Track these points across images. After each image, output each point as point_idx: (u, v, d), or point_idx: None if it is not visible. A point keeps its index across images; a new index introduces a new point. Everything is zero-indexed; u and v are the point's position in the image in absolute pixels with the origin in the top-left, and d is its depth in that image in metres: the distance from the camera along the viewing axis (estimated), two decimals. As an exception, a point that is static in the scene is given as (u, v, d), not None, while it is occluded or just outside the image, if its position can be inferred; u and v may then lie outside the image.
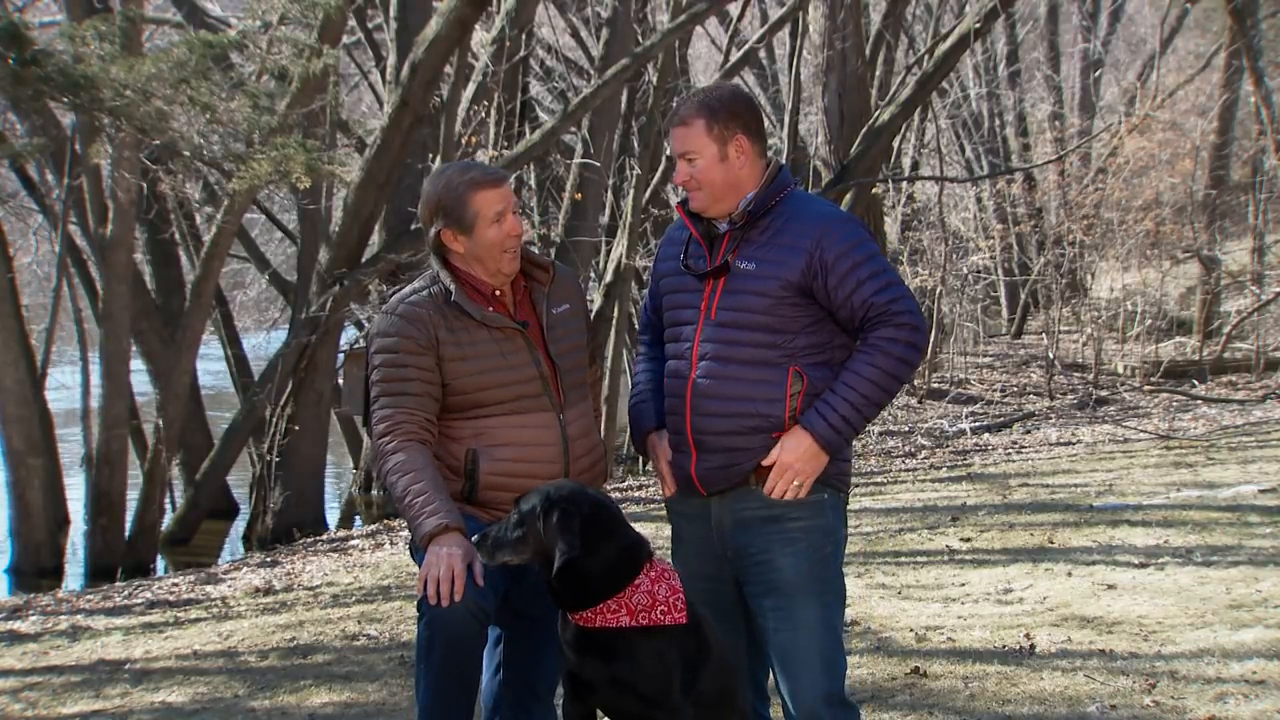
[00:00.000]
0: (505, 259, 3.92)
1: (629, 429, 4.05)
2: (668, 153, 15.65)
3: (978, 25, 15.58)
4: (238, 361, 16.23)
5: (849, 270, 3.68)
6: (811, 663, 3.70)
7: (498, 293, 3.94)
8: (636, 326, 4.13)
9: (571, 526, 3.50)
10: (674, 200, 18.38)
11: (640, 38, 15.25)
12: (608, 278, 14.13)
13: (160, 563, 12.57)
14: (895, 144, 18.93)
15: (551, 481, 3.66)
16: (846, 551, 3.95)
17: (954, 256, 20.15)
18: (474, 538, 3.60)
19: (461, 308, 3.84)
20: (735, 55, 17.45)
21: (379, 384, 3.85)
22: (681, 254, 3.87)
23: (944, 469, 12.20)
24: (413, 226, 12.97)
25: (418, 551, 3.81)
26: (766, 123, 22.78)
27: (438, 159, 12.50)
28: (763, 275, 3.71)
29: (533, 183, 17.64)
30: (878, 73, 19.05)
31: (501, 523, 3.59)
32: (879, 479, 11.77)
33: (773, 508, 3.72)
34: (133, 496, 12.40)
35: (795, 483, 3.69)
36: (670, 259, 3.93)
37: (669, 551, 3.99)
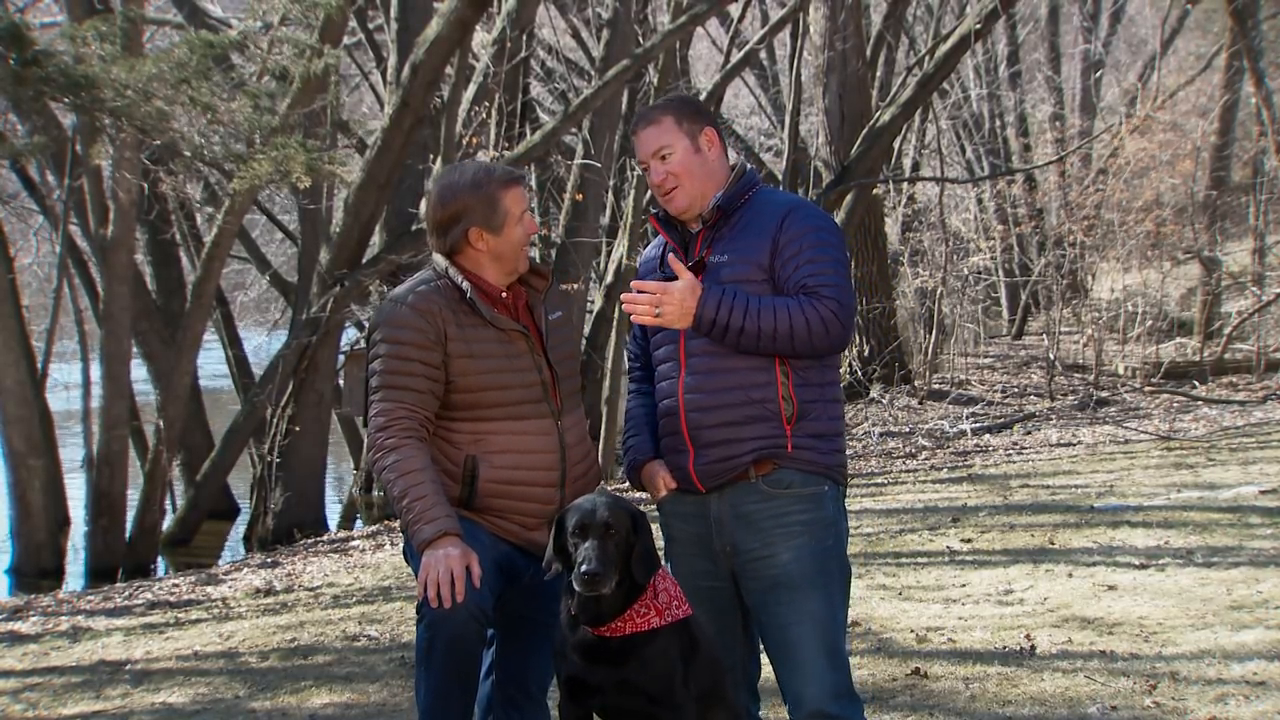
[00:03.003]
0: (522, 257, 3.94)
1: (624, 465, 4.06)
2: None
3: (978, 26, 15.58)
4: (238, 362, 16.24)
5: (795, 252, 3.73)
6: (817, 657, 3.70)
7: (504, 295, 3.93)
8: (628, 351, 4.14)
9: (652, 540, 3.54)
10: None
11: (641, 39, 15.26)
12: (608, 278, 14.14)
13: (161, 563, 12.57)
14: (896, 145, 18.94)
15: (598, 498, 3.57)
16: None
17: (954, 257, 20.15)
18: (584, 572, 3.41)
19: (473, 305, 3.83)
20: (736, 56, 17.44)
21: (381, 375, 3.79)
22: (659, 264, 3.92)
23: (945, 470, 12.20)
24: (414, 227, 12.97)
25: (412, 554, 3.81)
26: (767, 123, 22.80)
27: (438, 160, 12.51)
28: (736, 263, 3.76)
29: (533, 183, 17.63)
30: (878, 74, 19.06)
31: (589, 554, 3.43)
32: (879, 480, 11.77)
33: (773, 501, 3.74)
34: (133, 497, 12.40)
35: (655, 310, 3.67)
36: (654, 271, 3.96)
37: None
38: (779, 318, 3.66)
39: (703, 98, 15.13)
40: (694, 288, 3.69)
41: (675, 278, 3.80)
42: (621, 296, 3.73)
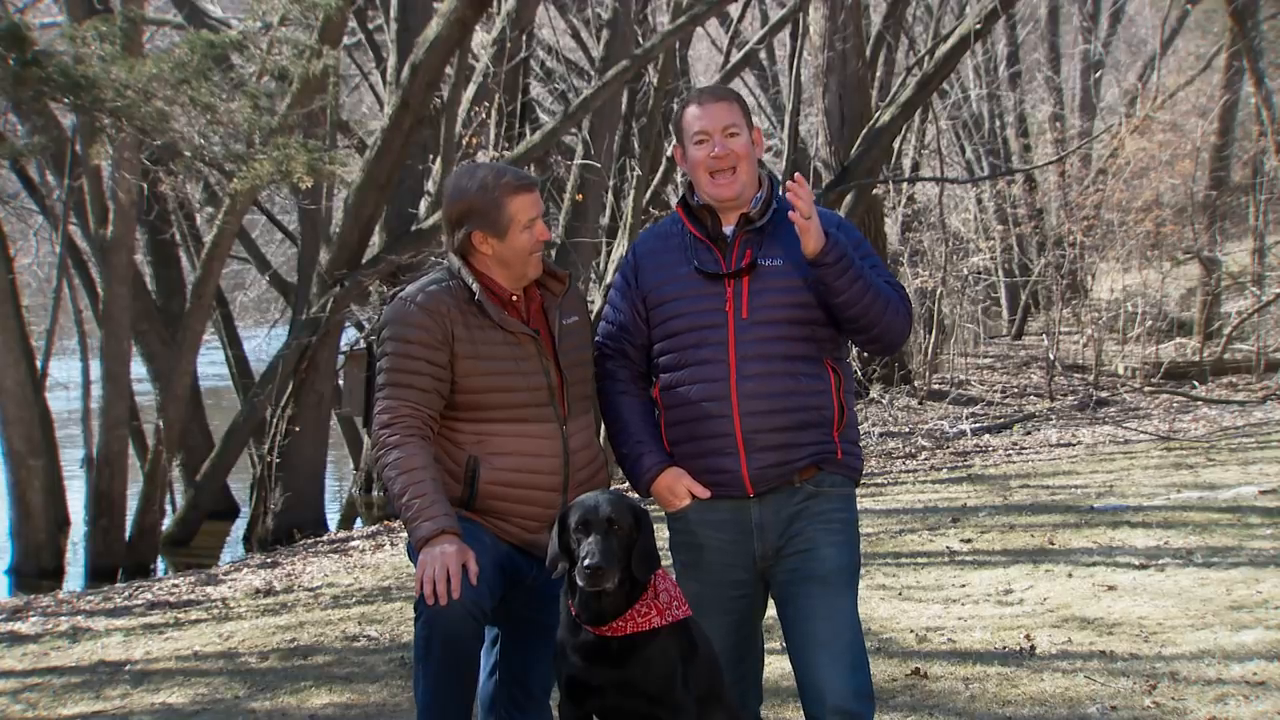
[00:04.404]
0: (532, 263, 3.92)
1: (629, 472, 3.94)
2: (668, 153, 15.72)
3: (978, 26, 15.59)
4: (238, 362, 16.24)
5: (861, 256, 3.79)
6: (845, 654, 3.73)
7: (514, 297, 3.93)
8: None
9: (654, 539, 3.54)
10: (674, 201, 18.37)
11: (640, 39, 15.25)
12: (608, 279, 14.13)
13: (160, 564, 12.57)
14: (896, 145, 18.94)
15: (600, 495, 3.55)
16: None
17: (954, 257, 20.15)
18: (587, 566, 3.40)
19: (481, 307, 3.82)
20: (736, 56, 17.45)
21: (387, 372, 3.81)
22: (687, 259, 3.84)
23: (944, 470, 12.20)
24: (413, 228, 12.97)
25: (415, 553, 3.81)
26: (767, 124, 22.84)
27: (438, 160, 12.50)
28: (791, 269, 3.74)
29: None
30: (878, 74, 19.06)
31: (592, 548, 3.41)
32: (879, 480, 11.77)
33: (816, 500, 3.76)
34: (133, 497, 12.40)
35: (806, 215, 3.62)
36: (668, 265, 3.87)
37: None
38: (882, 288, 3.74)
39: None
40: (821, 230, 3.66)
41: (721, 274, 3.78)
42: (788, 185, 3.63)
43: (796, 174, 3.70)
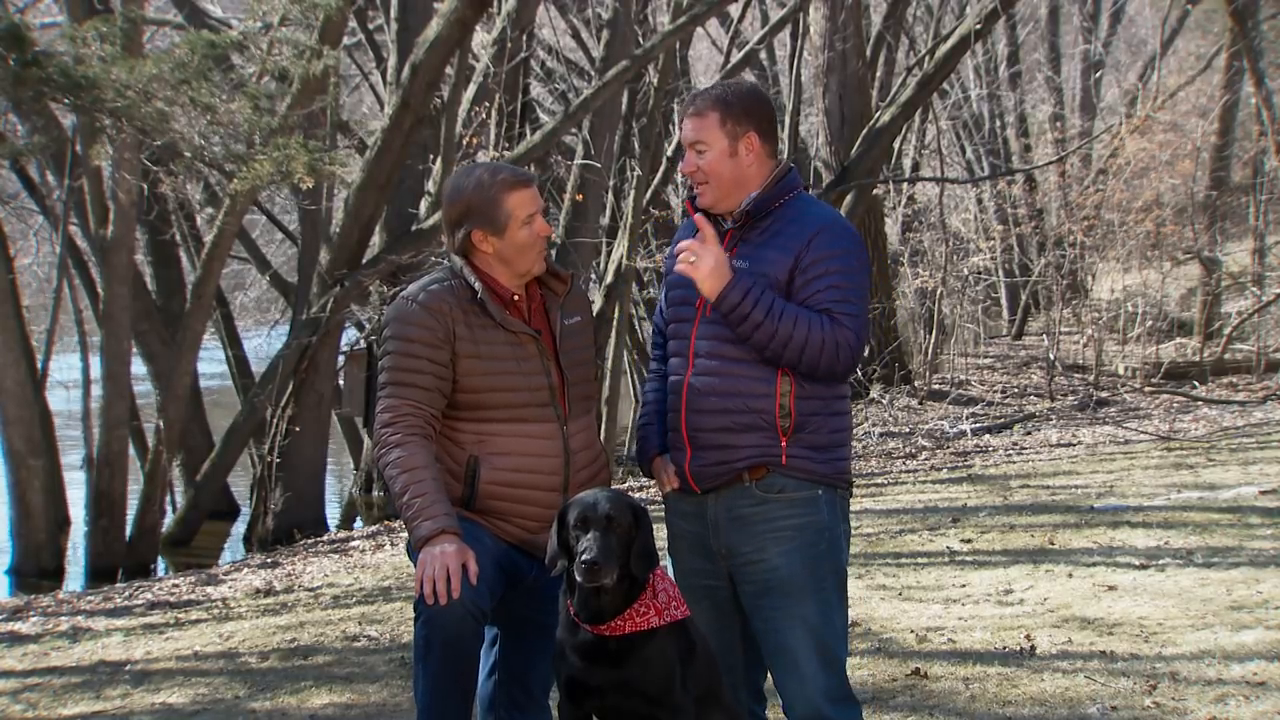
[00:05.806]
0: (533, 260, 3.93)
1: (636, 451, 4.04)
2: (668, 153, 15.72)
3: (978, 26, 15.60)
4: (238, 362, 16.25)
5: (822, 273, 3.69)
6: (809, 660, 3.69)
7: (516, 297, 3.93)
8: (645, 329, 4.09)
9: (653, 538, 3.54)
10: (675, 201, 18.50)
11: (641, 39, 15.25)
12: (608, 279, 14.15)
13: (161, 564, 12.57)
14: (896, 145, 18.94)
15: (599, 492, 3.56)
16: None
17: (955, 257, 20.14)
18: (585, 561, 3.41)
19: (483, 306, 3.83)
20: (736, 56, 17.46)
21: (389, 371, 3.82)
22: None
23: (944, 470, 12.19)
24: (414, 228, 12.97)
25: (415, 552, 3.82)
26: (767, 124, 22.65)
27: (438, 160, 12.50)
28: (753, 273, 3.72)
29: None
30: (878, 74, 19.06)
31: (590, 544, 3.42)
32: (879, 480, 11.76)
33: (765, 505, 3.73)
34: (133, 497, 12.40)
35: (691, 259, 3.68)
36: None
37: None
38: (798, 327, 3.62)
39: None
40: (724, 272, 3.66)
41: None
42: (678, 249, 3.74)
43: (689, 243, 3.72)
